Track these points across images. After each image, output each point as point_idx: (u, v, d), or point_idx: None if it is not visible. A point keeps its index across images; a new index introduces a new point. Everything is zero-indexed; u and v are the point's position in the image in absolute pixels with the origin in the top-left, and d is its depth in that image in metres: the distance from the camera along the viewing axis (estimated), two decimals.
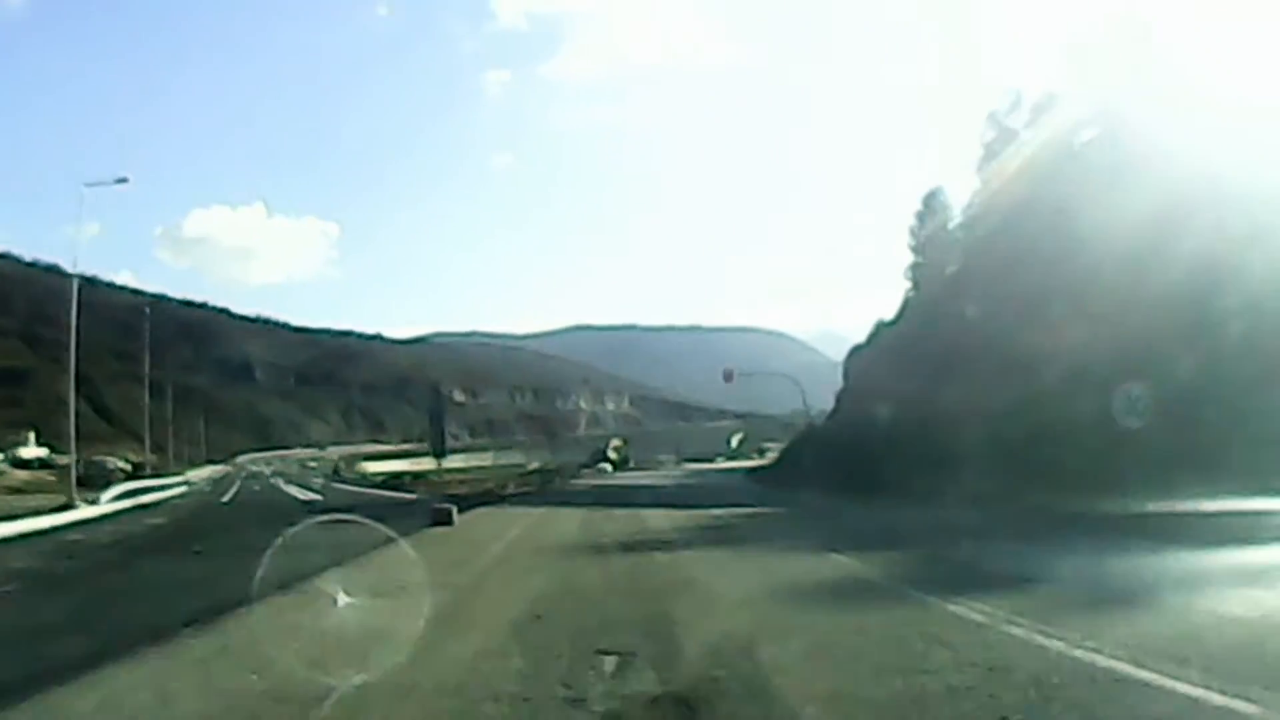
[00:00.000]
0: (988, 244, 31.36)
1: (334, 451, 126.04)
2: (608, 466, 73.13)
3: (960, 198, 38.33)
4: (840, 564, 10.82)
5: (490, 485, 45.07)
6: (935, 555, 11.56)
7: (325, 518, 18.59)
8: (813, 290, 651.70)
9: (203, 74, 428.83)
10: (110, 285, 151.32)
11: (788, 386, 51.33)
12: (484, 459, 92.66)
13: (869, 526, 16.82)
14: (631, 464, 77.63)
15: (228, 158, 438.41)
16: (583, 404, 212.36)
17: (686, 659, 6.04)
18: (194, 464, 79.78)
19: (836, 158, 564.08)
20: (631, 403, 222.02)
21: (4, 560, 15.52)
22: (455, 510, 20.32)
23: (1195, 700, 4.60)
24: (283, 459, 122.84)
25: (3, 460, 68.95)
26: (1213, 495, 12.13)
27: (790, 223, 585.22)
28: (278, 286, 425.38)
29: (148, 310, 73.19)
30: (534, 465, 75.09)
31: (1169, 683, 4.89)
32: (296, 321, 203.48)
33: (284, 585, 10.06)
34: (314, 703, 5.09)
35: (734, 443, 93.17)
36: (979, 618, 6.83)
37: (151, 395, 64.67)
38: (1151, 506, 12.89)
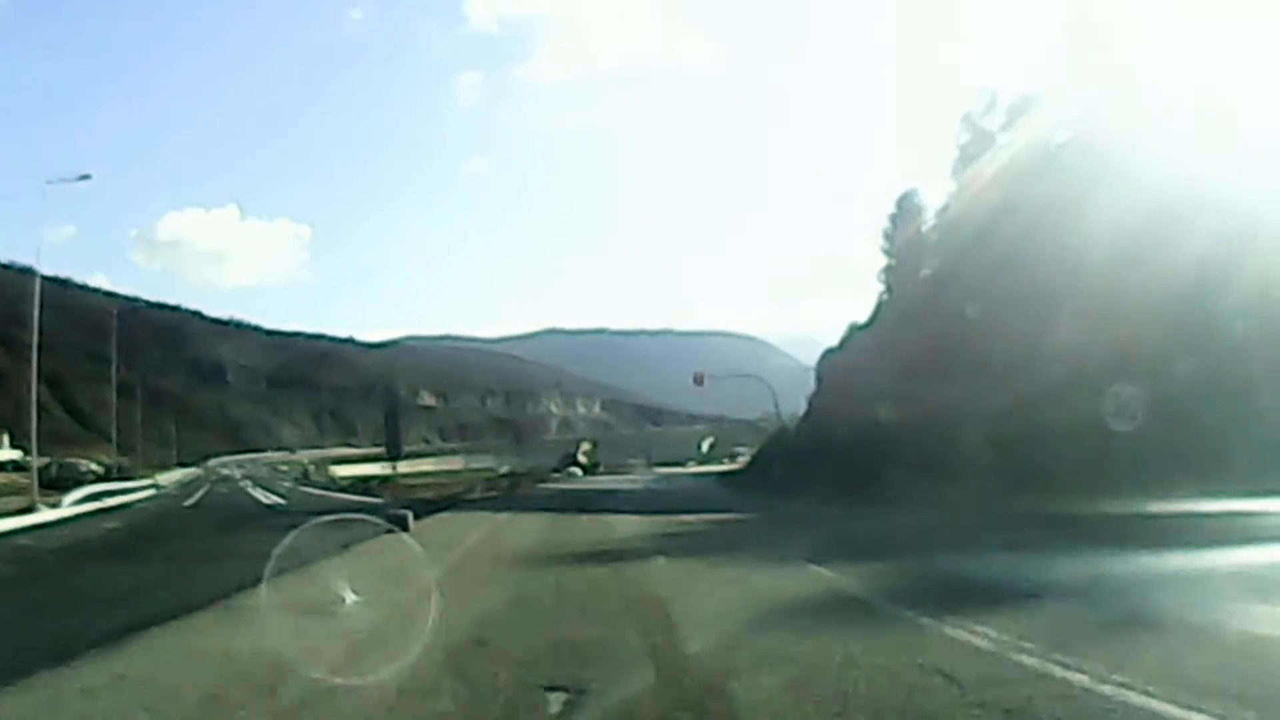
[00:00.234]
0: (963, 246, 30.92)
1: (305, 455, 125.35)
2: (578, 471, 72.50)
3: (935, 200, 38.05)
4: (820, 577, 9.91)
5: (458, 489, 44.41)
6: (923, 567, 10.63)
7: (282, 522, 18.51)
8: (785, 295, 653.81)
9: (179, 75, 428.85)
10: (84, 288, 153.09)
11: (759, 391, 50.79)
12: (455, 463, 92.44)
13: (847, 534, 15.92)
14: (602, 468, 77.01)
15: (203, 159, 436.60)
16: (554, 408, 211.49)
17: (645, 696, 5.11)
18: (165, 467, 79.35)
19: (809, 161, 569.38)
20: (603, 407, 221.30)
21: None
22: (411, 516, 19.35)
23: None
24: (254, 462, 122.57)
25: None
26: (1213, 496, 11.61)
27: (763, 227, 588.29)
28: (250, 289, 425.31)
29: (114, 313, 72.90)
30: (504, 469, 74.74)
31: None
32: (269, 324, 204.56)
33: (210, 600, 9.30)
34: None
35: (705, 447, 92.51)
36: (983, 643, 5.94)
37: (122, 397, 64.51)
38: (1137, 508, 12.37)
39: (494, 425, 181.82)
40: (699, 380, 49.42)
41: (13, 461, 70.31)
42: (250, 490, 57.18)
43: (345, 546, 14.63)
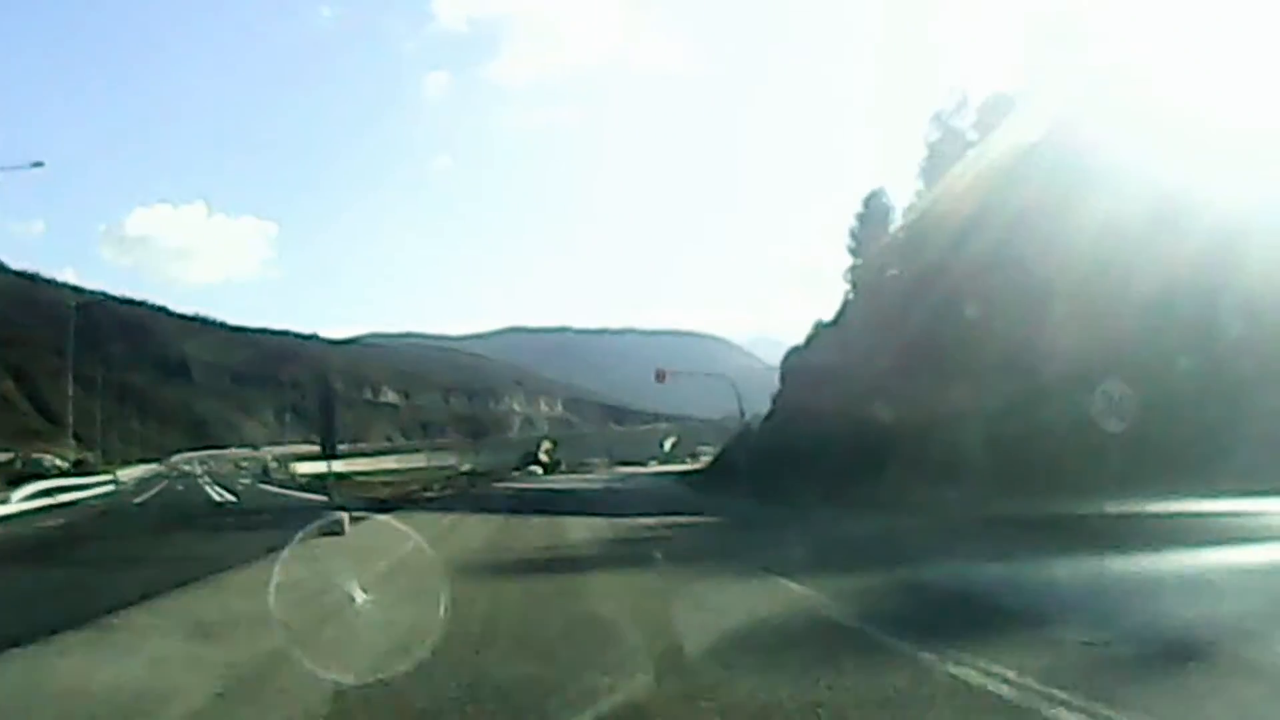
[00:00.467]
0: (934, 245, 30.26)
1: (268, 451, 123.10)
2: (538, 469, 71.05)
3: (902, 200, 37.68)
4: (789, 593, 8.68)
5: (414, 487, 43.02)
6: (906, 579, 9.38)
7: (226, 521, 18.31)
8: (749, 294, 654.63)
9: (148, 71, 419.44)
10: (51, 282, 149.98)
11: (722, 390, 49.83)
12: (417, 460, 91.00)
13: (815, 540, 14.72)
14: (563, 466, 75.52)
15: (171, 155, 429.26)
16: (516, 406, 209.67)
17: None
18: (127, 462, 76.85)
19: (774, 161, 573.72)
20: (565, 405, 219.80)
21: None
22: (348, 519, 17.99)
23: None
24: (215, 459, 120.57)
25: None
26: (1211, 495, 10.89)
27: (727, 226, 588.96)
28: (216, 285, 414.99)
29: (74, 305, 74.21)
30: (466, 467, 73.23)
31: None
32: (234, 321, 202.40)
33: (96, 613, 7.98)
34: None
35: (667, 446, 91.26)
36: (1004, 690, 4.70)
37: (88, 393, 65.18)
38: (1113, 509, 11.79)
39: (457, 423, 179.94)
40: (661, 377, 48.24)
41: None
42: (206, 487, 56.00)
43: (271, 550, 13.32)
